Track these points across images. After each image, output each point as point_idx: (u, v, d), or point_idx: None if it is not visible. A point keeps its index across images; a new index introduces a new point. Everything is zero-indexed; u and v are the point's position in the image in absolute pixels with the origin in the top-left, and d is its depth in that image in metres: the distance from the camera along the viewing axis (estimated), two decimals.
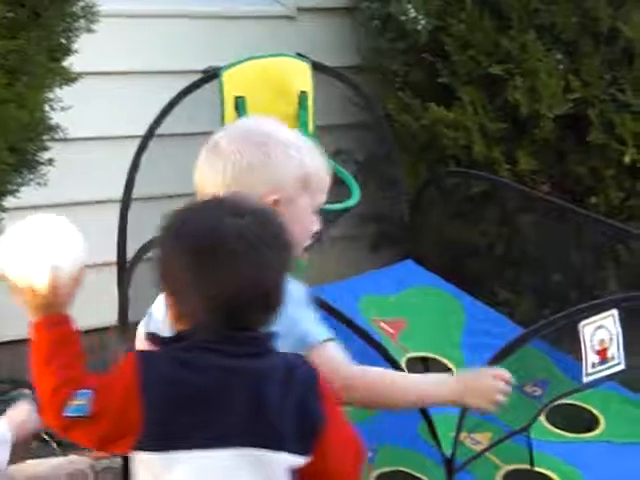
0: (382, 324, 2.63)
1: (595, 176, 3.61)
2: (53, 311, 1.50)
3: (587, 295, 2.91)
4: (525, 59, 3.56)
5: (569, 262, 3.49)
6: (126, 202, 2.59)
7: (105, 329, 3.02)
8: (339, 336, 2.47)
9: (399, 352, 2.54)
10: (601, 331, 2.01)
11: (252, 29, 3.74)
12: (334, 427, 1.46)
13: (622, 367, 2.04)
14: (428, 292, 2.74)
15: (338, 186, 2.77)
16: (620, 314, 2.01)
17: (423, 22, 3.67)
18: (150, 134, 2.65)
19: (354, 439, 1.51)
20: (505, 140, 3.63)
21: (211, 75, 2.69)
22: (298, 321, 1.70)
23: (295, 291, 1.68)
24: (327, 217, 2.72)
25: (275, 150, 1.78)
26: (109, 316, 2.62)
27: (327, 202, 2.73)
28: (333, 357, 1.73)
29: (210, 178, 1.74)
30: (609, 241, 3.28)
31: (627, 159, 3.51)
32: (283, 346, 1.56)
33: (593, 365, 2.02)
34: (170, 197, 3.49)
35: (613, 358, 2.02)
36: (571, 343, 2.09)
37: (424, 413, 2.21)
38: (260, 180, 1.73)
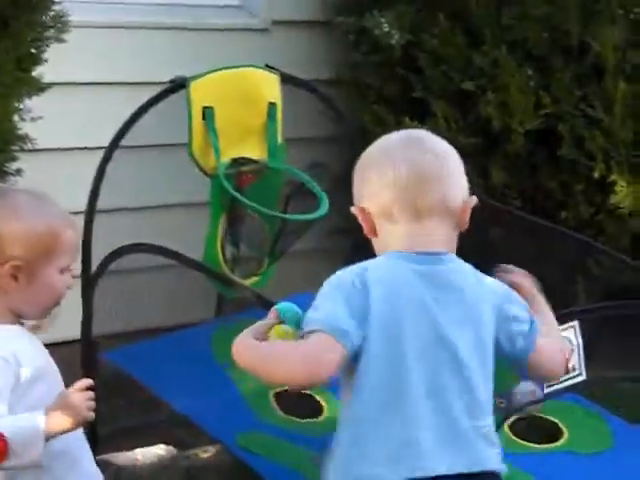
0: None
1: (565, 191, 3.63)
2: None
3: (556, 309, 2.91)
4: (497, 75, 3.58)
5: (538, 276, 3.50)
6: (90, 213, 2.58)
7: (69, 342, 3.00)
8: None
9: None
10: None
11: (225, 41, 3.74)
12: None
13: (583, 378, 2.04)
14: None
15: (307, 197, 2.77)
16: (581, 325, 2.01)
17: (397, 37, 3.68)
18: (114, 145, 2.64)
19: None
20: (477, 154, 3.65)
21: (178, 85, 2.68)
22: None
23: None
24: (293, 228, 2.73)
25: None
26: (73, 329, 2.60)
27: (294, 213, 2.75)
28: None
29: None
30: (578, 255, 3.30)
31: (596, 174, 3.53)
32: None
33: None
34: (135, 209, 3.49)
35: (574, 369, 2.02)
36: None
37: None
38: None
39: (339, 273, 1.71)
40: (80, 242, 1.96)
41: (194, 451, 3.05)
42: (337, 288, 1.68)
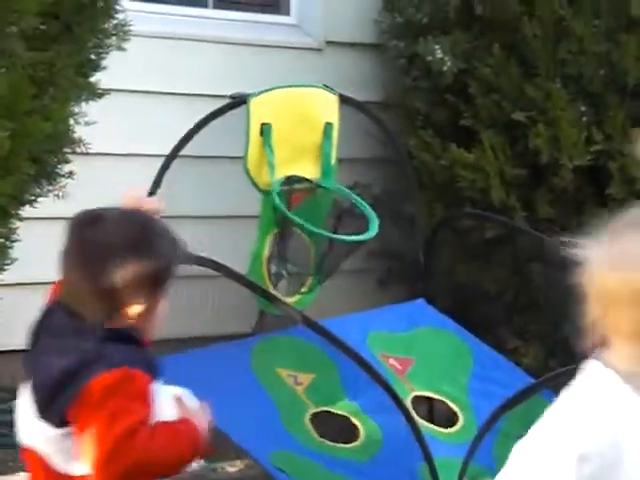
0: (391, 360, 2.62)
1: None
2: None
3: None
4: (549, 108, 3.57)
5: (579, 311, 3.47)
6: None
7: None
8: (345, 369, 2.47)
9: (405, 390, 2.54)
10: None
11: (281, 59, 3.76)
12: None
13: None
14: (438, 333, 2.74)
15: (356, 218, 2.78)
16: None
17: (449, 64, 3.68)
18: (174, 154, 2.66)
19: None
20: (523, 187, 3.63)
21: (239, 101, 2.70)
22: None
23: None
24: (341, 249, 2.73)
25: None
26: None
27: (344, 233, 2.76)
28: None
29: None
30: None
31: None
32: None
33: None
34: (189, 217, 3.51)
35: None
36: None
37: (427, 455, 2.20)
38: None
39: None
40: None
41: (222, 464, 3.05)
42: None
